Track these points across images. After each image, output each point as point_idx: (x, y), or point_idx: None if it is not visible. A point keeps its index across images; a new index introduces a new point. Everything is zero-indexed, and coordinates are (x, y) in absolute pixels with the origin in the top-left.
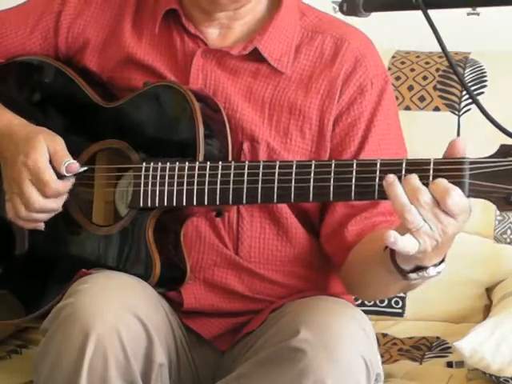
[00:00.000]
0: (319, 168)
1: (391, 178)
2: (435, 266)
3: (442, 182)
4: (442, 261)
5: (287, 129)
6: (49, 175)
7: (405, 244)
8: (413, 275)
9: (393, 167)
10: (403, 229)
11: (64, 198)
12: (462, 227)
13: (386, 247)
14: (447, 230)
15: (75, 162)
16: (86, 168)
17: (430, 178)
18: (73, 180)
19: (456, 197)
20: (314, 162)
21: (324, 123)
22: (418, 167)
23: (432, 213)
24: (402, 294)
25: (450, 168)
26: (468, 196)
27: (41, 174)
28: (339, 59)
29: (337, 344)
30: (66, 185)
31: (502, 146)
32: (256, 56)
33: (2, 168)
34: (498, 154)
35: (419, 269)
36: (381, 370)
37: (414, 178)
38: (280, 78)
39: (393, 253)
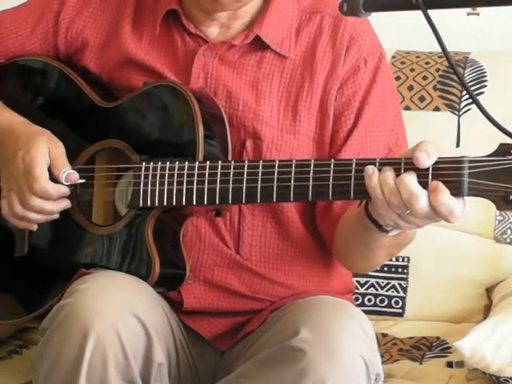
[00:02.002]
0: (318, 167)
1: (370, 169)
2: None
3: (411, 185)
4: None
5: (296, 112)
6: (40, 172)
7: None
8: (388, 227)
9: (393, 165)
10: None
11: (63, 204)
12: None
13: (361, 202)
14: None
15: (75, 172)
16: (84, 180)
17: (430, 177)
18: (67, 190)
19: (423, 201)
20: (313, 160)
21: (328, 103)
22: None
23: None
24: (402, 294)
25: (449, 167)
26: (467, 195)
27: (33, 169)
28: (339, 39)
29: (336, 344)
30: (57, 188)
31: (502, 145)
32: (258, 44)
33: (1, 165)
34: (497, 153)
35: None
36: (381, 370)
37: (389, 176)
38: (285, 64)
39: (367, 208)
